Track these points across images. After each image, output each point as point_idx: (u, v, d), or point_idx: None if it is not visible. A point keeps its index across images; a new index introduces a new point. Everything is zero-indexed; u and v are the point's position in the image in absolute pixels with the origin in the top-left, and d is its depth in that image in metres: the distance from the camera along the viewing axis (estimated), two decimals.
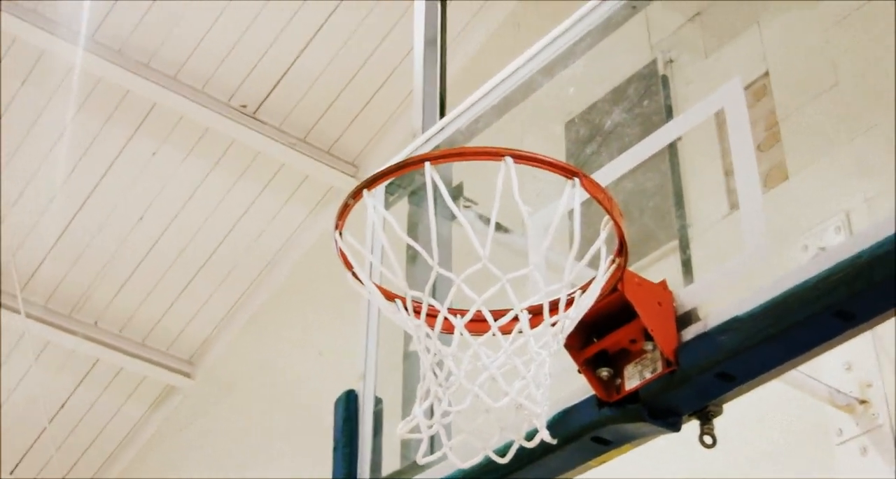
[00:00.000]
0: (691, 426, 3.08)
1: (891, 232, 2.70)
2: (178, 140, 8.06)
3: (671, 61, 3.58)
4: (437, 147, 4.07)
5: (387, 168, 2.91)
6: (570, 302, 2.88)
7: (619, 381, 3.07)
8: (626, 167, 3.40)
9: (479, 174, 3.72)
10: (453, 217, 3.48)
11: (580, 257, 2.85)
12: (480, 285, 2.82)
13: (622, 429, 3.08)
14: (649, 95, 3.51)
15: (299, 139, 8.11)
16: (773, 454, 4.59)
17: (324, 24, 7.64)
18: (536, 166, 2.86)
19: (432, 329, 2.87)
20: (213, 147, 8.10)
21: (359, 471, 3.72)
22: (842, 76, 3.28)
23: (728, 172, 3.21)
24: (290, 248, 8.52)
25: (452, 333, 2.85)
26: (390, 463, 3.73)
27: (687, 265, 3.16)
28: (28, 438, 9.13)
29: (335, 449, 3.78)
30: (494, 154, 2.82)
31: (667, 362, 2.98)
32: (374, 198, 2.95)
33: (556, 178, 3.33)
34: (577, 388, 3.16)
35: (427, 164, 2.80)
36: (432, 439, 2.93)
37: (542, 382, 2.81)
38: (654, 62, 3.66)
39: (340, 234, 2.97)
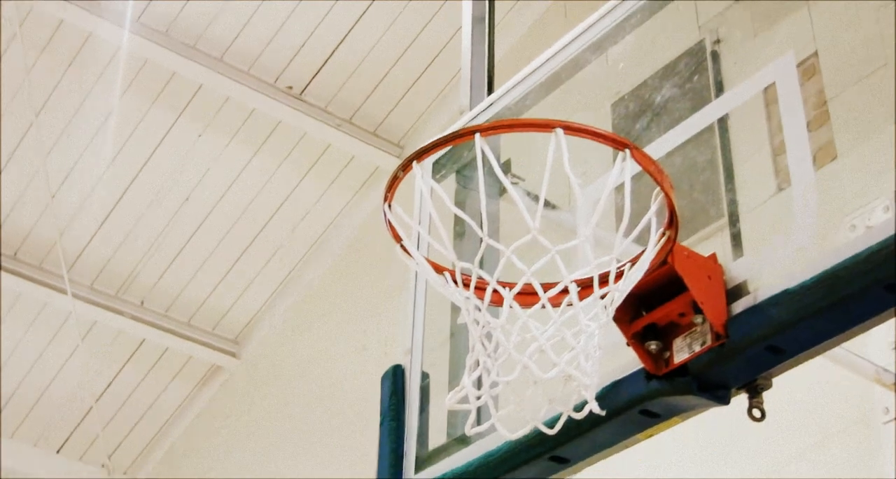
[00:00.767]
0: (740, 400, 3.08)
1: None
2: (224, 122, 8.09)
3: (719, 41, 3.56)
4: None
5: (437, 139, 2.92)
6: (619, 275, 2.88)
7: (667, 354, 3.07)
8: (675, 142, 3.40)
9: (526, 151, 3.73)
10: (500, 194, 3.49)
11: (629, 231, 2.85)
12: (529, 259, 2.82)
13: (671, 402, 3.08)
14: (700, 70, 3.49)
15: (345, 120, 8.12)
16: (820, 432, 4.58)
17: (370, 5, 7.65)
18: (587, 137, 2.86)
19: (481, 301, 2.87)
20: (259, 129, 8.13)
21: (405, 445, 3.74)
22: (891, 56, 3.25)
23: (777, 152, 3.20)
24: (336, 229, 8.54)
25: (501, 305, 2.86)
26: (436, 438, 3.73)
27: (737, 239, 3.15)
28: (74, 417, 9.21)
29: (381, 423, 3.79)
30: (545, 126, 2.83)
31: (716, 336, 2.97)
32: (424, 169, 2.96)
33: (601, 159, 3.33)
34: (625, 361, 3.16)
35: (477, 135, 2.81)
36: (479, 411, 2.93)
37: (591, 353, 2.82)
38: (702, 41, 3.64)
39: (390, 206, 2.99)
